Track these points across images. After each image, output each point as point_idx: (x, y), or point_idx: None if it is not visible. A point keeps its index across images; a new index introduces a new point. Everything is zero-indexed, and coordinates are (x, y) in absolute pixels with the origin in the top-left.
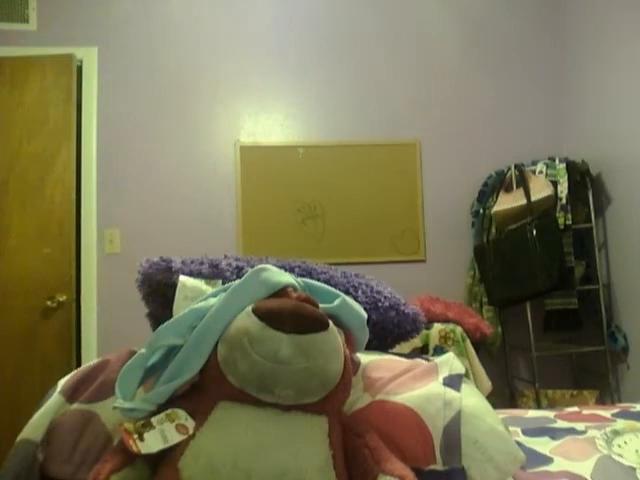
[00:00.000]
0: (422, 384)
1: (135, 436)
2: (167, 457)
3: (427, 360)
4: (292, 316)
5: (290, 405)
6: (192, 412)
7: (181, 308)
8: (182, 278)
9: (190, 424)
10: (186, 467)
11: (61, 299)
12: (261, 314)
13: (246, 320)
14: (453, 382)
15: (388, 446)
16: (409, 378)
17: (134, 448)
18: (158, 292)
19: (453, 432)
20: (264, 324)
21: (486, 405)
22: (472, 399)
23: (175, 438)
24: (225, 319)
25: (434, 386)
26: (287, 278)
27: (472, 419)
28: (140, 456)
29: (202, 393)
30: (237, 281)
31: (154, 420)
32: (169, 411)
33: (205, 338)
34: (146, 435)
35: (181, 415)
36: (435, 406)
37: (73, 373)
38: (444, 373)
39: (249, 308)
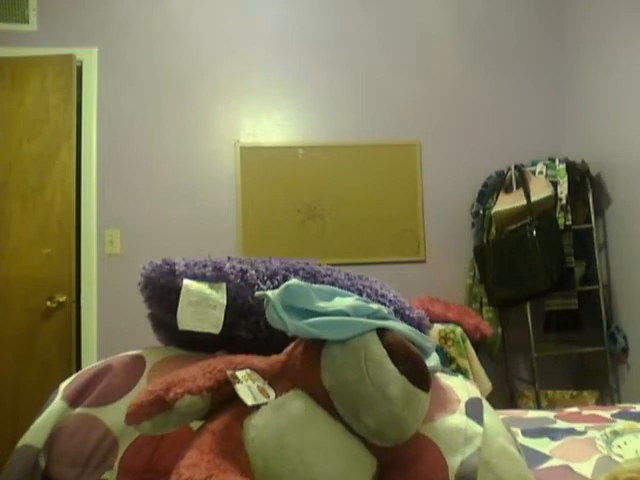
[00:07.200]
0: (444, 414)
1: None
2: (230, 406)
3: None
4: (414, 362)
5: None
6: (270, 382)
7: (185, 313)
8: (186, 282)
9: (270, 390)
10: (253, 428)
11: (61, 299)
12: (388, 343)
13: (370, 338)
14: (475, 411)
15: (402, 475)
16: (430, 403)
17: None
18: (161, 295)
19: (469, 470)
20: (386, 352)
21: (499, 424)
22: (486, 418)
23: (260, 399)
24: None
25: (457, 418)
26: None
27: (484, 439)
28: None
29: (287, 369)
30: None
31: (239, 374)
32: (248, 370)
33: (355, 328)
34: (237, 386)
35: (259, 378)
36: (456, 441)
37: (74, 377)
38: (464, 398)
39: (374, 330)
